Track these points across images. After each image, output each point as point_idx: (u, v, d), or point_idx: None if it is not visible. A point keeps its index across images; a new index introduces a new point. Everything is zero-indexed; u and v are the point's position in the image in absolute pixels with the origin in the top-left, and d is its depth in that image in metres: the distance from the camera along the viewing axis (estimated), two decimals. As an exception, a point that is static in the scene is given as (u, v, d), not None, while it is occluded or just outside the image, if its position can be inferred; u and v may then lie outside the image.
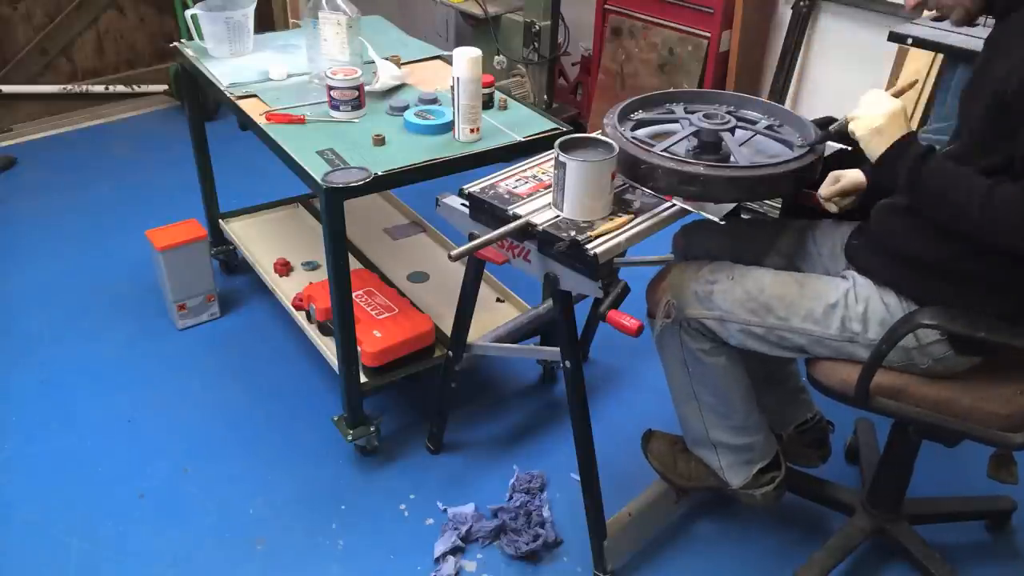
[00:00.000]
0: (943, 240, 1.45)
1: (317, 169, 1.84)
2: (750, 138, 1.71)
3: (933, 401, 1.52)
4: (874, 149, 1.45)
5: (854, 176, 1.72)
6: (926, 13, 1.55)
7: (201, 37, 2.41)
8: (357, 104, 2.07)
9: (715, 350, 1.68)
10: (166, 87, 4.04)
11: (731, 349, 1.68)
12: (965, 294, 1.47)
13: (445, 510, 2.02)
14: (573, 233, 1.51)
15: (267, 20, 4.15)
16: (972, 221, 1.36)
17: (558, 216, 1.58)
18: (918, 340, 1.50)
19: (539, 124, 2.08)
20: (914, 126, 2.38)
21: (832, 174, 1.73)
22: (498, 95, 2.16)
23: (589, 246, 1.48)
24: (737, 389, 1.73)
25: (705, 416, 1.76)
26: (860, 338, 1.55)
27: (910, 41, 2.38)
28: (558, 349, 1.72)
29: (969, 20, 1.49)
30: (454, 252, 1.55)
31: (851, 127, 1.48)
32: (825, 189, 1.73)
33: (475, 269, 1.89)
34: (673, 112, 1.79)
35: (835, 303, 1.57)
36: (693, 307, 1.65)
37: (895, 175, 1.44)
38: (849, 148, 1.76)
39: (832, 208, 1.74)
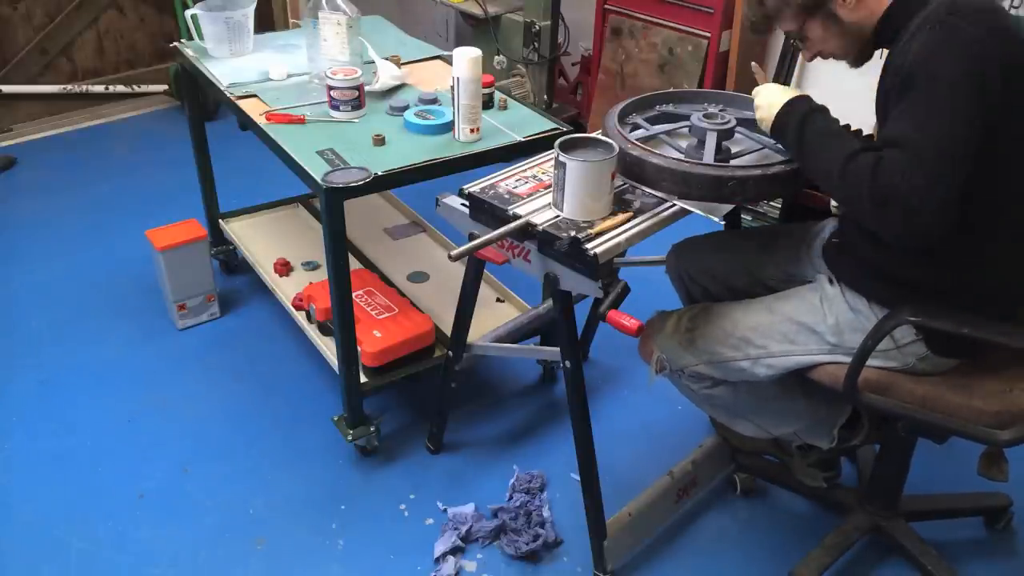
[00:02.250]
0: (908, 256, 1.44)
1: (317, 169, 1.84)
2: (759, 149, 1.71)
3: (920, 397, 1.52)
4: (768, 121, 1.51)
5: None
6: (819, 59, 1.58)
7: (201, 37, 2.42)
8: (357, 104, 2.07)
9: (719, 385, 1.70)
10: (166, 87, 4.04)
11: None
12: (934, 304, 1.45)
13: (445, 510, 2.02)
14: (573, 233, 1.51)
15: (267, 20, 4.15)
16: (833, 185, 1.38)
17: (558, 216, 1.58)
18: (895, 340, 1.49)
19: (539, 124, 2.08)
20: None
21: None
22: (498, 95, 2.16)
23: (589, 246, 1.48)
24: (763, 398, 1.73)
25: (757, 426, 1.78)
26: (839, 349, 1.55)
27: (910, 41, 2.37)
28: (558, 349, 1.72)
29: (862, 62, 1.54)
30: (454, 252, 1.55)
31: (757, 118, 1.55)
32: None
33: (475, 269, 1.89)
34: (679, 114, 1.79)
35: (806, 322, 1.57)
36: (681, 357, 1.68)
37: (787, 136, 1.47)
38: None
39: None
